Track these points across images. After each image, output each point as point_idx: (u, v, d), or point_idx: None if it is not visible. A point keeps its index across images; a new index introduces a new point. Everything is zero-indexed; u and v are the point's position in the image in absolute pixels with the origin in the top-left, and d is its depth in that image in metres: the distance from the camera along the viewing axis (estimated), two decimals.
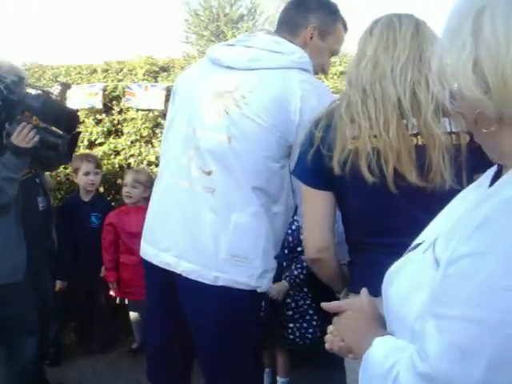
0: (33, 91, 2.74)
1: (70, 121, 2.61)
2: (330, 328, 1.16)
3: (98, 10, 44.66)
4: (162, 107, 3.91)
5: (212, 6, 20.96)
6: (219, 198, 1.84)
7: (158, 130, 4.06)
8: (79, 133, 2.76)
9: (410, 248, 1.04)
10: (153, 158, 4.02)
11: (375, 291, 1.55)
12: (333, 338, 1.13)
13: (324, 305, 1.20)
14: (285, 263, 2.99)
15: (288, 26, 1.99)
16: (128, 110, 4.11)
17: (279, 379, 3.20)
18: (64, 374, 3.44)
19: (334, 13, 2.01)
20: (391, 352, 0.91)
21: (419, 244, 1.00)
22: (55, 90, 2.87)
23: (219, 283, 1.84)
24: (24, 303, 2.71)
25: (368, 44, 1.57)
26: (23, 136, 2.45)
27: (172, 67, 4.24)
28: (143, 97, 3.92)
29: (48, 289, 3.14)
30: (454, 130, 1.47)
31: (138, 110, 4.03)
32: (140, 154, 4.04)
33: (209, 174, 1.86)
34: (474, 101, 0.83)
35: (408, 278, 0.97)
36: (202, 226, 1.86)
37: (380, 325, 1.06)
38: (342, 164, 1.50)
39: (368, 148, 1.47)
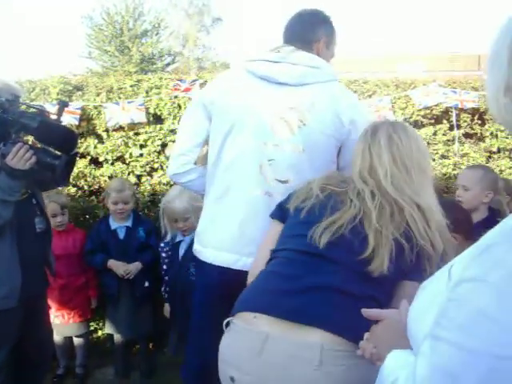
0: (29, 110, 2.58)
1: (67, 141, 2.46)
2: (367, 335, 1.18)
3: None
4: (145, 120, 4.02)
5: (115, 21, 20.65)
6: None
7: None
8: (77, 154, 2.58)
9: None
10: (70, 179, 3.95)
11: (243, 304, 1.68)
12: (367, 345, 1.14)
13: (364, 311, 1.22)
14: None
15: (300, 41, 2.18)
16: None
17: None
18: None
19: (332, 24, 2.27)
20: (396, 368, 0.91)
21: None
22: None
23: None
24: (9, 334, 2.54)
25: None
26: (19, 158, 2.31)
27: (86, 86, 4.21)
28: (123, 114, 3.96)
29: (43, 320, 2.87)
30: None
31: None
32: None
33: (286, 182, 2.08)
34: (506, 122, 0.86)
35: (426, 295, 0.97)
36: None
37: None
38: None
39: None
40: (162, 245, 3.45)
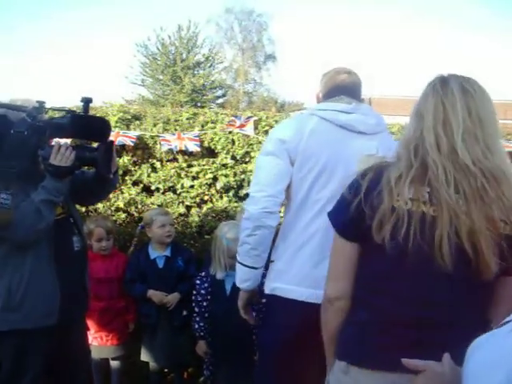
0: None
1: (101, 128, 2.51)
2: None
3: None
4: (198, 149, 4.09)
5: (169, 51, 21.26)
6: None
7: (127, 177, 4.14)
8: (112, 142, 2.65)
9: (500, 323, 1.02)
10: (121, 205, 4.07)
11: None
12: None
13: (404, 361, 1.19)
14: None
15: (353, 98, 2.39)
16: None
17: None
18: None
19: None
20: None
21: (508, 321, 0.98)
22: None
23: None
24: (40, 357, 2.50)
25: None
26: (61, 155, 2.41)
27: (144, 116, 4.35)
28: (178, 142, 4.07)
29: (81, 343, 2.84)
30: None
31: None
32: (109, 199, 4.08)
33: None
34: None
35: (489, 354, 0.95)
36: None
37: None
38: (379, 225, 1.53)
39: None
40: (199, 282, 3.37)
